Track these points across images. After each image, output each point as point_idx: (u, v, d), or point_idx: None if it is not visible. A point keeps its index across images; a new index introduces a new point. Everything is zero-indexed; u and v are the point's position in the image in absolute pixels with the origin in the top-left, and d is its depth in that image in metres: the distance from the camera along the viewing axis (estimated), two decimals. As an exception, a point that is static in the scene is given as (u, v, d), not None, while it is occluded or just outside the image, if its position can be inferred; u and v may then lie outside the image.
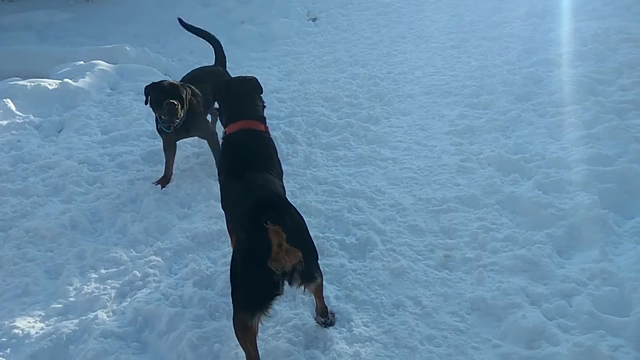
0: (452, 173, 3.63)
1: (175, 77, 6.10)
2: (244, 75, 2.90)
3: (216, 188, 3.47)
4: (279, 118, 4.69)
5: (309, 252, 2.04)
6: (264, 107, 2.81)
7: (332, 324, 2.38)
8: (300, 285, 2.03)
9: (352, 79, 5.62)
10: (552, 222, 2.95)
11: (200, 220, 3.16)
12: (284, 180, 2.59)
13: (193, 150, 4.08)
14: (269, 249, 1.79)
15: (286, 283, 1.94)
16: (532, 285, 2.51)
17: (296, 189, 3.52)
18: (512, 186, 3.35)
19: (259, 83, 2.79)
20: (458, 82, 5.29)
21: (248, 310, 1.91)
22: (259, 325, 1.98)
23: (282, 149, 4.11)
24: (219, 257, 2.85)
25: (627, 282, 2.40)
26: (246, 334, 1.97)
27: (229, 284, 2.22)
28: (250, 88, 2.74)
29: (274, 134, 4.27)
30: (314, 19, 8.14)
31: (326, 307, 2.39)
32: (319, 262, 2.20)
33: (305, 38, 7.39)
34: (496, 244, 2.84)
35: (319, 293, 2.30)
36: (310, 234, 2.20)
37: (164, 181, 3.59)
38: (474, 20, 7.23)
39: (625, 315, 2.25)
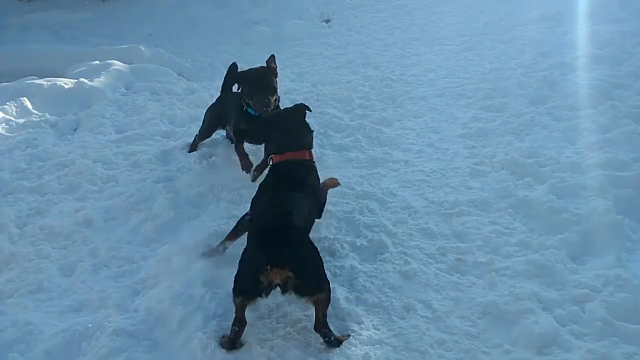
0: (465, 176, 3.61)
1: (189, 77, 6.19)
2: (295, 104, 3.26)
3: (227, 189, 3.52)
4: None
5: (303, 271, 2.25)
6: (312, 132, 3.15)
7: (331, 342, 2.29)
8: (294, 295, 2.27)
9: (364, 80, 5.61)
10: (566, 227, 2.93)
11: (212, 220, 3.17)
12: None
13: (204, 150, 4.10)
14: (262, 268, 2.19)
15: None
16: (545, 290, 2.48)
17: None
18: (526, 190, 3.32)
19: (307, 110, 3.13)
20: (471, 85, 5.26)
21: (236, 295, 2.30)
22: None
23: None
24: (229, 257, 2.85)
25: (642, 290, 2.36)
26: (235, 304, 2.31)
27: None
28: (298, 118, 3.09)
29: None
30: (327, 21, 8.14)
31: (323, 323, 2.31)
32: (324, 279, 2.35)
33: (319, 39, 7.40)
34: (509, 249, 2.82)
35: (318, 306, 2.31)
36: (317, 247, 2.46)
37: (248, 165, 3.50)
38: (488, 22, 7.18)
39: (639, 323, 2.22)
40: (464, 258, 2.80)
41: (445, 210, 3.24)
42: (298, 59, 6.62)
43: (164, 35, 8.04)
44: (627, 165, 3.37)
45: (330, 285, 2.37)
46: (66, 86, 5.09)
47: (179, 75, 6.16)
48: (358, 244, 2.96)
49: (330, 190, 3.23)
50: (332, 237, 3.01)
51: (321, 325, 2.31)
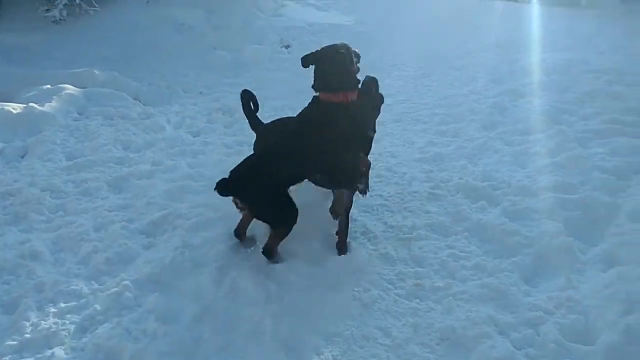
0: (422, 200, 3.66)
1: (146, 102, 6.07)
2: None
3: (183, 217, 3.43)
4: (251, 144, 4.65)
5: (253, 204, 2.91)
6: None
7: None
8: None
9: (324, 105, 5.66)
10: (518, 249, 3.00)
11: (166, 250, 3.07)
12: None
13: (160, 176, 4.00)
14: None
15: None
16: (500, 314, 2.51)
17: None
18: (480, 213, 3.39)
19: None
20: (428, 110, 5.40)
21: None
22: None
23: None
24: (185, 290, 2.76)
25: (592, 310, 2.43)
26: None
27: (195, 318, 2.56)
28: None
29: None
30: (287, 46, 8.22)
31: (268, 243, 2.94)
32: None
33: (279, 65, 7.45)
34: (465, 272, 2.85)
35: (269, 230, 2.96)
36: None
37: None
38: (444, 50, 7.44)
39: (591, 344, 2.27)
40: (422, 283, 2.81)
41: (404, 234, 3.26)
42: (258, 84, 6.60)
43: (121, 58, 7.87)
44: (575, 188, 3.50)
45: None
46: (14, 111, 4.88)
47: (135, 99, 6.02)
48: (317, 271, 2.93)
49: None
50: (290, 265, 2.98)
51: (267, 245, 2.96)
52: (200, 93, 6.38)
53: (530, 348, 2.32)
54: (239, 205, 2.94)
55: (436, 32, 8.71)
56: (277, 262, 2.96)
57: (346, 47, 3.02)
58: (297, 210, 2.94)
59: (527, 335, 2.37)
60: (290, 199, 2.97)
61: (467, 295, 2.67)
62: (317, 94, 3.03)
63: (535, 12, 10.53)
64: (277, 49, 8.05)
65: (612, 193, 3.43)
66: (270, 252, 2.97)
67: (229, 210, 3.52)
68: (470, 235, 3.20)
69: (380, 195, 3.76)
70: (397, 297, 2.73)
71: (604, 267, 2.75)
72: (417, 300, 2.70)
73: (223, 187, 2.85)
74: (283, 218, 2.94)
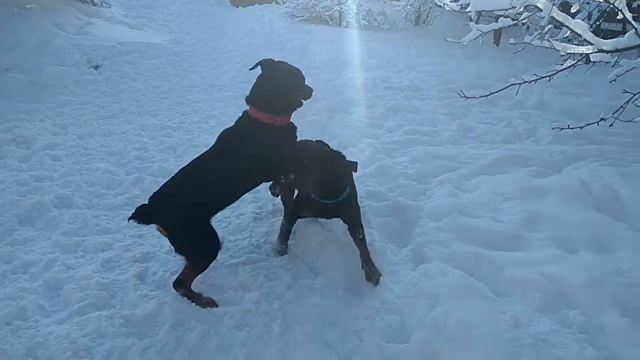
0: (250, 221, 3.62)
1: None
2: None
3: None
4: (52, 179, 4.10)
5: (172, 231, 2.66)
6: None
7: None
8: None
9: (141, 130, 5.31)
10: (341, 262, 3.11)
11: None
12: None
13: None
14: None
15: None
16: (327, 330, 2.56)
17: (74, 260, 3.07)
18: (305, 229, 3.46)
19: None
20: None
21: None
22: None
23: (55, 214, 3.58)
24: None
25: (405, 309, 2.64)
26: None
27: None
28: None
29: (44, 198, 3.73)
30: (97, 67, 7.54)
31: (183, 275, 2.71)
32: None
33: (86, 87, 6.78)
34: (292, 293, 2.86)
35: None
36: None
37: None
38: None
39: (406, 342, 2.45)
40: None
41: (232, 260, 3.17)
42: (62, 109, 5.91)
43: None
44: (385, 195, 3.82)
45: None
46: None
47: None
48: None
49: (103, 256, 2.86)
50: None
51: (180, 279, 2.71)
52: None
53: (357, 356, 2.42)
54: (162, 231, 2.69)
55: (255, 55, 8.90)
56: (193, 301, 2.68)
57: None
58: (219, 243, 2.73)
59: (352, 344, 2.45)
60: (212, 229, 2.73)
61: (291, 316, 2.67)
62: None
63: (345, 34, 11.51)
64: (84, 70, 7.31)
65: (415, 197, 3.83)
66: (181, 285, 2.69)
67: (25, 259, 3.05)
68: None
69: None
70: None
71: (413, 265, 3.02)
72: (248, 328, 2.62)
73: (139, 214, 2.61)
74: (201, 249, 2.70)
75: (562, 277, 2.78)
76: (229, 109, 6.15)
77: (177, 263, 3.05)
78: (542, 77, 4.02)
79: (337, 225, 3.40)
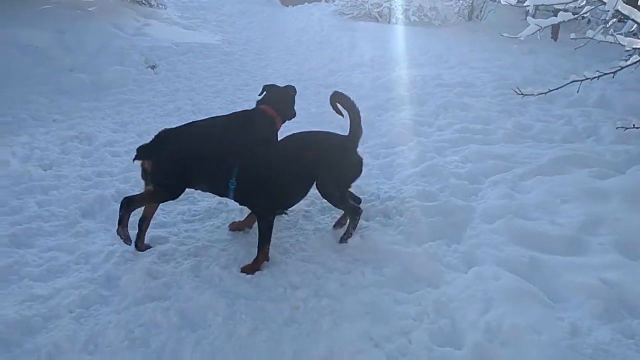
0: (298, 217, 3.65)
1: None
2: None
3: (32, 264, 3.02)
4: (113, 174, 4.31)
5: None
6: None
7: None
8: None
9: (194, 128, 5.46)
10: (388, 259, 3.08)
11: (10, 305, 2.65)
12: None
13: (3, 219, 3.50)
14: None
15: None
16: (375, 327, 2.54)
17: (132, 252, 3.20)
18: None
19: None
20: (300, 129, 5.44)
21: None
22: None
23: (116, 208, 3.73)
24: (33, 350, 2.40)
25: (457, 312, 2.58)
26: None
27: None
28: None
29: (105, 193, 3.92)
30: (153, 67, 7.85)
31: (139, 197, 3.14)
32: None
33: (144, 86, 7.07)
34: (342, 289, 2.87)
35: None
36: None
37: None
38: (312, 69, 7.66)
39: (458, 346, 2.39)
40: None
41: (281, 257, 3.20)
42: (121, 107, 6.20)
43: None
44: (435, 195, 3.75)
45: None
46: None
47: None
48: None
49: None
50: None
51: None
52: (54, 120, 5.77)
53: (405, 357, 2.39)
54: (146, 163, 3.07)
55: (304, 53, 8.97)
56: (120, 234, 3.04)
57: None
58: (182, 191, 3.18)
59: (400, 345, 2.43)
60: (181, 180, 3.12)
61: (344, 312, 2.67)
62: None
63: (394, 31, 11.37)
64: (142, 70, 7.64)
65: (467, 197, 3.73)
66: (129, 203, 3.08)
67: (87, 250, 3.21)
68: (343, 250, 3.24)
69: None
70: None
71: (464, 268, 2.95)
72: (296, 324, 2.64)
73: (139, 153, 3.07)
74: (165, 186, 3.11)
75: (624, 284, 2.63)
76: (279, 107, 6.23)
77: (229, 258, 3.13)
78: (606, 74, 3.82)
79: (392, 224, 3.38)
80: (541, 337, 2.30)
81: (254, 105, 3.76)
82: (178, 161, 3.06)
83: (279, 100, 3.75)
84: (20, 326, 2.52)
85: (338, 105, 3.36)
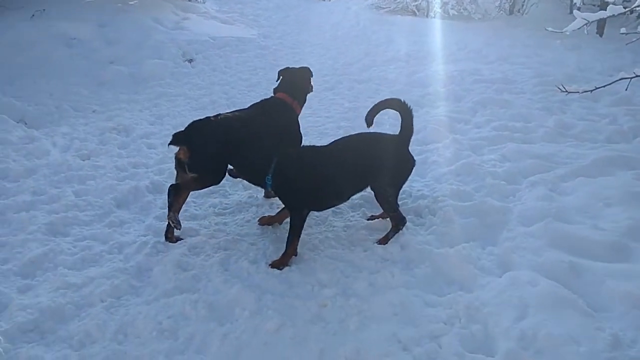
0: (328, 213, 3.61)
1: (32, 124, 5.51)
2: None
3: (67, 252, 3.10)
4: (148, 166, 4.38)
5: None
6: None
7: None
8: None
9: (229, 122, 5.50)
10: (419, 260, 3.01)
11: (45, 292, 2.73)
12: None
13: (41, 208, 3.61)
14: None
15: None
16: (403, 329, 2.48)
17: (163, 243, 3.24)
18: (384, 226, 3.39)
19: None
20: (333, 123, 5.44)
21: None
22: None
23: (150, 199, 3.81)
24: (67, 337, 2.46)
25: (490, 317, 2.48)
26: None
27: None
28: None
29: (139, 184, 3.98)
30: (190, 60, 7.94)
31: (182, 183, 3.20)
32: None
33: (181, 79, 7.16)
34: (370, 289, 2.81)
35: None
36: None
37: None
38: (347, 63, 7.58)
39: (490, 353, 2.31)
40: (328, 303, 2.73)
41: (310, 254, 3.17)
42: (158, 100, 6.30)
43: (3, 77, 7.13)
44: (470, 195, 3.63)
45: None
46: None
47: (19, 121, 5.45)
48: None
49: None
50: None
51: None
52: (93, 111, 5.92)
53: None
54: (181, 153, 3.11)
55: (339, 47, 8.89)
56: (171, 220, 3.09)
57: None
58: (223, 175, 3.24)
59: (429, 349, 2.36)
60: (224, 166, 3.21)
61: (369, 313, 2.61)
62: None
63: (432, 25, 11.14)
64: (179, 63, 7.74)
65: (503, 198, 3.60)
66: (177, 189, 3.15)
67: (120, 240, 3.27)
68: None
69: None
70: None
71: (499, 272, 2.84)
72: (323, 322, 2.61)
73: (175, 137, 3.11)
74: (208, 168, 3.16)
75: (673, 295, 2.47)
76: (312, 102, 6.10)
77: (258, 252, 3.13)
78: (658, 70, 3.61)
79: (423, 224, 3.31)
80: (580, 348, 2.18)
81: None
82: (216, 145, 3.13)
83: (294, 85, 3.76)
84: (54, 313, 2.59)
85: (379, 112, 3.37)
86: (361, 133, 3.43)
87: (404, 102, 3.34)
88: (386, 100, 3.40)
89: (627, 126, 4.86)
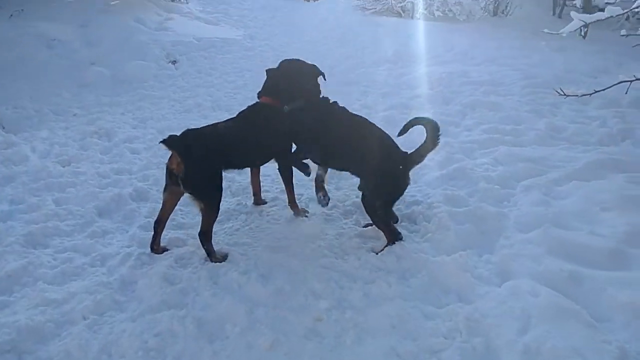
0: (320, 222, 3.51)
1: (10, 128, 5.30)
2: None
3: (46, 265, 2.94)
4: (131, 172, 4.22)
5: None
6: None
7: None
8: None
9: (214, 125, 5.36)
10: (415, 269, 2.91)
11: (23, 310, 2.57)
12: None
13: (19, 217, 3.44)
14: None
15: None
16: (402, 343, 2.39)
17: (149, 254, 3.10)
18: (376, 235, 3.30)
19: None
20: (321, 126, 5.31)
21: None
22: None
23: (133, 208, 3.66)
24: (48, 359, 2.31)
25: (491, 330, 2.40)
26: None
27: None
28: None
29: (122, 191, 3.83)
30: (174, 62, 7.78)
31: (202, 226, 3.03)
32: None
33: (165, 81, 7.01)
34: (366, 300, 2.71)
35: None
36: None
37: None
38: (334, 65, 7.47)
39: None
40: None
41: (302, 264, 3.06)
42: (141, 102, 6.14)
43: (-21, 78, 6.89)
44: (464, 200, 3.56)
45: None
46: None
47: (-6, 127, 5.24)
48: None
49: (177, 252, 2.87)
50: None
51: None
52: (74, 115, 5.73)
53: (435, 377, 2.23)
54: (176, 165, 2.94)
55: (326, 49, 8.79)
56: (218, 260, 2.98)
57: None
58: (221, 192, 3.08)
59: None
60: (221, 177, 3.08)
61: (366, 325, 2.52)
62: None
63: (417, 27, 11.12)
64: (163, 65, 7.57)
65: (498, 203, 3.54)
66: (205, 235, 3.00)
67: (103, 252, 3.12)
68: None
69: (277, 220, 3.55)
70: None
71: (498, 281, 2.77)
72: (319, 338, 2.50)
73: (169, 138, 2.94)
74: (210, 191, 3.02)
75: (675, 304, 2.42)
76: (300, 104, 6.09)
77: (249, 263, 3.00)
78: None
79: (418, 230, 3.23)
80: (586, 362, 2.11)
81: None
82: (213, 160, 3.06)
83: (278, 85, 3.53)
84: (32, 332, 2.43)
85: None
86: (378, 127, 3.49)
87: (434, 121, 3.27)
88: (423, 118, 3.34)
89: (616, 128, 4.85)
